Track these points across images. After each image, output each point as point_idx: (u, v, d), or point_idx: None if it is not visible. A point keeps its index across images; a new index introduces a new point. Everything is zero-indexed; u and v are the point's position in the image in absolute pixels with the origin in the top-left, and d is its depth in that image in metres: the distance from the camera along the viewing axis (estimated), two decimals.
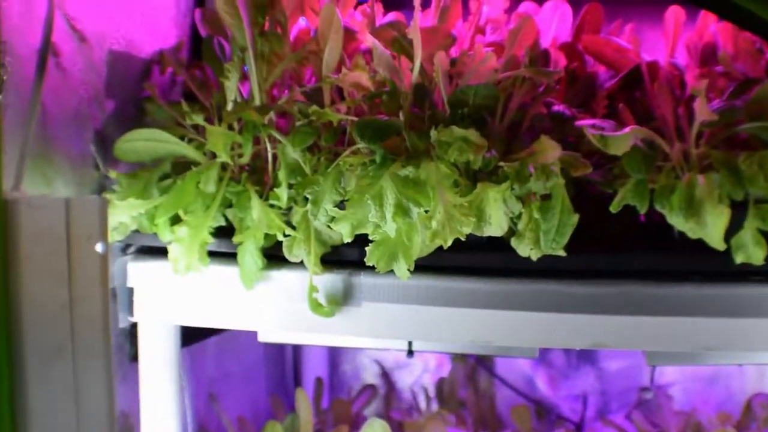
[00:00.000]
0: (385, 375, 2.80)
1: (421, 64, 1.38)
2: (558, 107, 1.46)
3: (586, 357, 2.72)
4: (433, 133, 1.29)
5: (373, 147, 1.31)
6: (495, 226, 1.30)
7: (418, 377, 2.81)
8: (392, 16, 1.66)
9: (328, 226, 1.37)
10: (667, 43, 1.63)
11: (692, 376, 2.70)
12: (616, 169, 1.39)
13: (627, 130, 1.30)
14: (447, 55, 1.39)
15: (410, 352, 1.61)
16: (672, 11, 1.61)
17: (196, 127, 1.51)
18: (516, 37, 1.46)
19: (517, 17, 1.63)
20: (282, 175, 1.38)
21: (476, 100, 1.35)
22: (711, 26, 1.66)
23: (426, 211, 1.28)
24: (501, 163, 1.30)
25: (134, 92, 1.62)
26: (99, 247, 1.18)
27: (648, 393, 2.63)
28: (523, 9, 1.78)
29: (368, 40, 1.41)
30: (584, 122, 1.37)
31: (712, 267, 1.37)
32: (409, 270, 1.32)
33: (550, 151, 1.28)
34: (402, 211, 1.27)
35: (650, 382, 2.70)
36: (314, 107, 1.37)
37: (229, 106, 1.45)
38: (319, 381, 2.41)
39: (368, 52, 1.53)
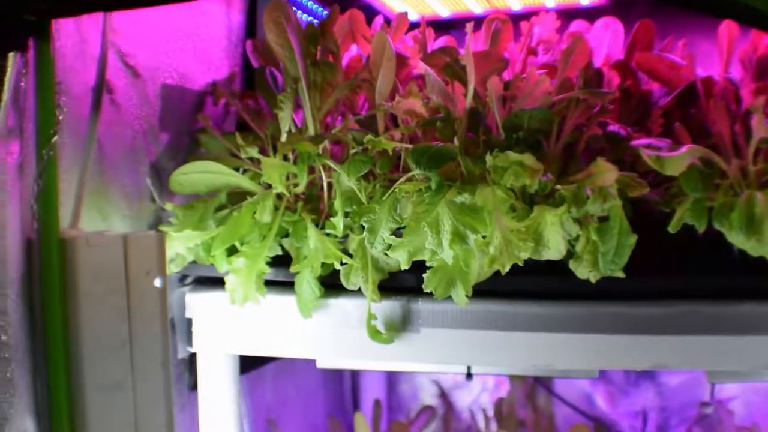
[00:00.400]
0: (444, 395, 2.78)
1: (475, 89, 1.37)
2: (613, 127, 1.44)
3: (646, 373, 2.68)
4: (488, 158, 1.29)
5: (429, 174, 1.31)
6: (553, 250, 1.30)
7: (476, 397, 2.80)
8: (443, 40, 1.67)
9: (385, 254, 1.37)
10: (720, 57, 1.61)
11: (753, 390, 2.65)
12: (674, 188, 1.38)
13: (683, 149, 1.29)
14: (500, 78, 1.39)
15: (469, 375, 1.61)
16: (726, 25, 1.59)
17: (251, 158, 1.52)
18: (569, 58, 1.45)
19: (568, 37, 1.62)
20: (338, 204, 1.38)
21: (531, 124, 1.34)
22: (765, 39, 1.64)
23: (483, 237, 1.28)
24: (557, 186, 1.30)
25: (188, 124, 1.64)
26: (157, 282, 1.19)
27: (708, 408, 2.59)
28: (574, 28, 1.78)
29: (420, 67, 1.41)
30: (640, 142, 1.36)
31: None
32: (467, 296, 1.31)
33: (606, 173, 1.27)
34: (459, 237, 1.27)
35: (710, 397, 2.66)
36: (369, 136, 1.38)
37: (284, 137, 1.46)
38: (377, 403, 2.41)
39: (421, 78, 1.53)
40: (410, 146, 1.37)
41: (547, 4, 2.17)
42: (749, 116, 1.35)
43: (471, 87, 1.36)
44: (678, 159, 1.28)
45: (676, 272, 1.40)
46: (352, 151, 1.44)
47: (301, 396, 2.37)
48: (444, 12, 2.29)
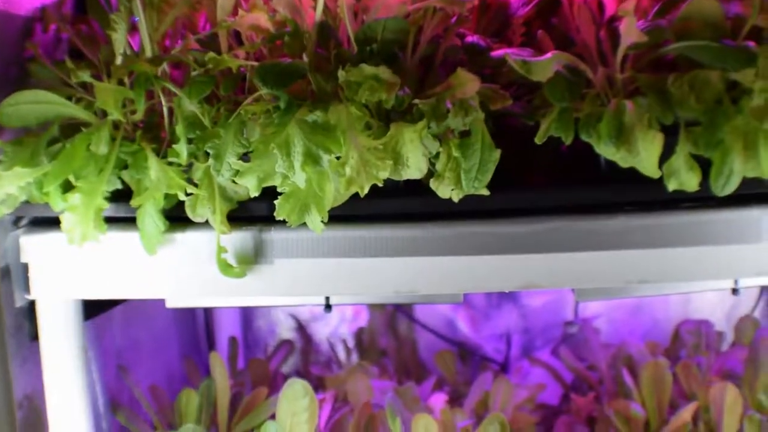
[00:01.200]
0: (301, 329, 2.71)
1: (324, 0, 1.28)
2: (472, 38, 1.37)
3: (508, 295, 2.66)
4: (340, 73, 1.20)
5: (276, 93, 1.21)
6: (413, 169, 1.22)
7: (335, 328, 2.73)
8: None
9: (233, 181, 1.27)
10: None
11: (616, 306, 2.67)
12: (537, 100, 1.32)
13: (549, 55, 1.21)
14: None
15: (328, 307, 1.52)
16: None
17: (84, 86, 1.39)
18: None
19: None
20: (180, 129, 1.27)
21: (385, 35, 1.25)
22: None
23: (338, 158, 1.19)
24: (415, 101, 1.21)
25: (15, 53, 1.49)
26: None
27: (573, 327, 2.59)
28: None
29: None
30: (501, 52, 1.28)
31: (643, 197, 1.31)
32: (322, 222, 1.23)
33: (467, 84, 1.19)
34: (312, 159, 1.18)
35: (575, 316, 2.66)
36: (211, 54, 1.26)
37: (118, 60, 1.34)
38: (233, 341, 2.31)
39: None
40: (256, 64, 1.27)
41: None
42: (615, 23, 1.28)
43: None
44: (545, 64, 1.20)
45: (542, 187, 1.35)
46: (193, 74, 1.33)
47: (153, 338, 2.26)
48: None
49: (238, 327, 2.72)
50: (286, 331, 2.75)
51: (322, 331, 2.74)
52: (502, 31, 1.50)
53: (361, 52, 1.26)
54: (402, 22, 1.24)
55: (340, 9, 1.26)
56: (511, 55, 1.21)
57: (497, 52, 1.29)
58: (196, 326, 2.64)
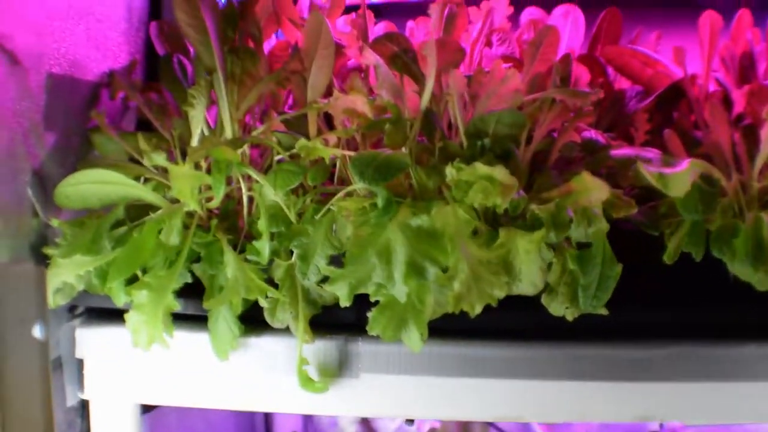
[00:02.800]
0: (365, 422, 2.55)
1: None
2: (589, 133, 1.22)
3: None
4: (449, 170, 1.05)
5: (374, 188, 1.06)
6: (527, 283, 1.07)
7: (400, 423, 2.57)
8: (382, 27, 1.43)
9: (320, 284, 1.12)
10: (702, 53, 1.39)
11: None
12: (663, 208, 1.16)
13: (685, 165, 1.06)
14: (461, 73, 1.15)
15: (410, 421, 1.36)
16: (708, 16, 1.37)
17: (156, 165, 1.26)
18: (537, 51, 1.22)
19: (529, 26, 1.41)
20: (262, 224, 1.13)
21: (499, 129, 1.11)
22: (746, 32, 1.43)
23: (444, 270, 1.04)
24: (533, 206, 1.06)
25: (79, 122, 1.36)
26: (37, 332, 0.92)
27: None
28: (528, 16, 1.56)
29: (368, 58, 1.16)
30: (622, 152, 1.14)
31: None
32: (422, 338, 1.07)
33: (594, 191, 1.04)
34: (416, 270, 1.03)
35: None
36: (301, 140, 1.13)
37: (195, 140, 1.20)
38: None
39: (359, 71, 1.29)
40: (349, 154, 1.13)
41: None
42: (746, 122, 1.14)
43: (430, 82, 1.12)
44: (682, 176, 1.05)
45: (665, 307, 1.19)
46: (276, 158, 1.19)
47: (209, 429, 2.11)
48: None
49: (299, 420, 2.56)
50: (347, 422, 2.58)
51: (389, 426, 2.57)
52: (616, 124, 1.36)
53: (472, 146, 1.12)
54: (519, 116, 1.10)
55: (451, 96, 1.12)
56: (645, 165, 1.06)
57: (618, 151, 1.15)
58: (255, 419, 2.48)
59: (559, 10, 1.52)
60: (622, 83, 1.48)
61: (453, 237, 1.04)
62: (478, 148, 1.11)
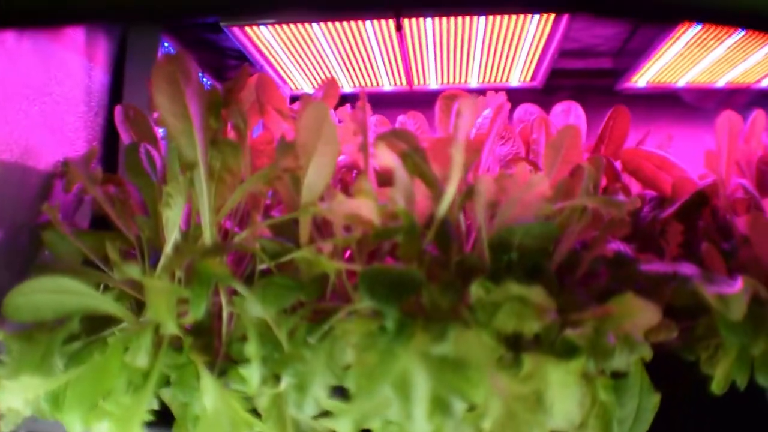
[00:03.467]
0: None
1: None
2: (616, 245, 1.08)
3: None
4: (475, 289, 0.90)
5: (386, 309, 0.90)
6: (560, 418, 0.91)
7: None
8: (376, 120, 1.28)
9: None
10: (720, 155, 1.27)
11: None
12: (699, 330, 1.03)
13: (739, 284, 0.92)
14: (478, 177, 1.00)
15: None
16: (727, 117, 1.25)
17: (108, 263, 1.09)
18: (559, 153, 1.09)
19: (540, 124, 1.28)
20: (252, 348, 0.96)
21: (526, 242, 0.96)
22: (763, 134, 1.32)
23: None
24: (568, 331, 0.91)
25: (28, 217, 1.18)
26: None
27: None
28: (523, 113, 1.43)
29: (384, 157, 1.00)
30: (654, 267, 1.01)
31: None
32: None
33: (641, 313, 0.89)
34: (442, 406, 0.86)
35: None
36: (304, 252, 0.97)
37: (169, 246, 1.03)
38: None
39: (351, 169, 1.15)
40: (354, 268, 0.97)
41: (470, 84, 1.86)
42: None
43: (452, 186, 0.97)
44: (739, 298, 0.91)
45: None
46: (260, 267, 1.03)
47: None
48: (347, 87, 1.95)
49: None
50: None
51: None
52: (636, 234, 1.23)
53: (496, 261, 0.97)
54: (551, 227, 0.95)
55: (477, 203, 0.96)
56: (706, 285, 0.92)
57: (650, 267, 1.01)
58: None
59: (559, 107, 1.40)
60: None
61: (480, 367, 0.88)
62: (504, 263, 0.97)
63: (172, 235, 1.03)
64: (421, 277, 0.92)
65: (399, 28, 1.90)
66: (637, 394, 0.96)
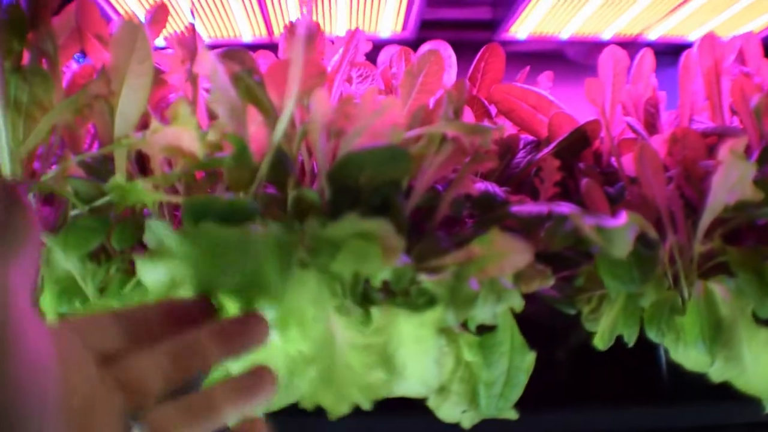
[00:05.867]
0: None
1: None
2: (483, 185, 0.95)
3: None
4: (310, 225, 0.75)
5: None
6: (416, 382, 0.78)
7: None
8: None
9: None
10: (605, 96, 1.14)
11: None
12: (581, 280, 0.91)
13: (624, 218, 0.79)
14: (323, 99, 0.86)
15: None
16: (611, 52, 1.13)
17: None
18: (416, 80, 0.96)
19: (398, 60, 1.15)
20: (47, 302, 0.81)
21: (373, 173, 0.81)
22: (650, 75, 1.21)
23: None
24: (423, 277, 0.77)
25: None
26: None
27: None
28: (386, 56, 1.30)
29: (204, 64, 0.84)
30: (527, 208, 0.88)
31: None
32: None
33: (511, 253, 0.75)
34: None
35: None
36: (116, 180, 0.81)
37: None
38: None
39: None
40: (178, 200, 0.83)
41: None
42: (677, 173, 0.91)
43: (288, 109, 0.83)
44: (623, 232, 0.78)
45: (588, 405, 0.92)
46: (72, 213, 0.88)
47: None
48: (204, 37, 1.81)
49: None
50: None
51: None
52: (509, 177, 1.10)
53: (338, 197, 0.82)
54: (401, 153, 0.81)
55: (312, 129, 0.82)
56: (585, 218, 0.78)
57: (522, 208, 0.88)
58: None
59: (426, 46, 1.27)
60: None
61: (316, 317, 0.74)
62: (346, 199, 0.82)
63: None
64: (255, 207, 0.78)
65: None
66: (508, 353, 0.83)
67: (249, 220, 0.76)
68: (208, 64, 0.81)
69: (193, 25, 0.98)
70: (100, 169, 0.92)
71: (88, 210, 0.87)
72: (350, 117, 0.86)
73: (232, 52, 0.90)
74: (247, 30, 2.23)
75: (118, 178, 0.83)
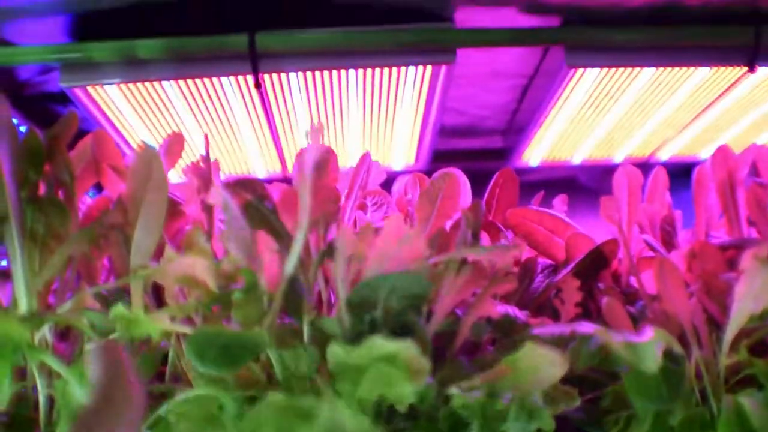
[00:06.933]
0: None
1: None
2: (504, 308, 0.94)
3: None
4: (333, 351, 0.73)
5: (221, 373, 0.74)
6: None
7: None
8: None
9: None
10: (620, 215, 1.14)
11: None
12: (606, 400, 0.89)
13: (650, 333, 0.78)
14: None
15: None
16: (624, 171, 1.13)
17: None
18: (435, 203, 0.96)
19: (413, 185, 1.15)
20: None
21: (392, 299, 0.80)
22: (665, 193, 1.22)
23: None
24: (454, 391, 0.75)
25: None
26: None
27: None
28: (400, 186, 1.31)
29: (215, 197, 0.84)
30: (549, 330, 0.87)
31: None
32: None
33: (542, 366, 0.73)
34: None
35: None
36: (119, 309, 0.79)
37: None
38: None
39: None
40: (188, 331, 0.81)
41: None
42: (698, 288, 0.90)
43: (300, 237, 0.82)
44: (650, 347, 0.77)
45: None
46: (88, 346, 0.86)
47: None
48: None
49: None
50: None
51: None
52: (527, 301, 1.09)
53: (358, 323, 0.81)
54: (420, 280, 0.80)
55: (337, 256, 0.81)
56: (611, 336, 0.77)
57: (544, 329, 0.87)
58: None
59: (438, 173, 1.28)
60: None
61: None
62: (366, 324, 0.81)
63: None
64: (264, 339, 0.76)
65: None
66: None
67: (260, 349, 0.75)
68: (219, 194, 0.81)
69: (208, 155, 0.99)
70: (116, 301, 0.91)
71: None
72: (373, 246, 0.85)
73: (244, 182, 0.90)
74: (261, 165, 2.26)
75: (123, 308, 0.82)
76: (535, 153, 2.44)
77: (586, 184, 2.74)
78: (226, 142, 2.16)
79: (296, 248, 0.82)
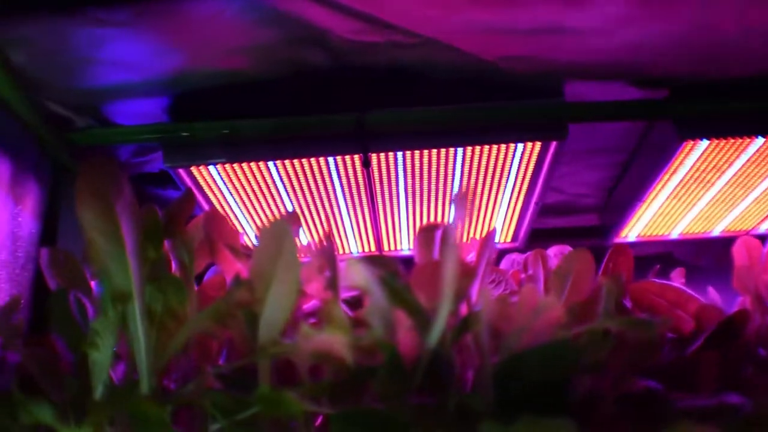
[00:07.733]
0: None
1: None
2: (644, 381, 0.90)
3: None
4: (488, 429, 0.69)
5: None
6: None
7: None
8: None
9: None
10: (747, 283, 1.10)
11: None
12: None
13: None
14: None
15: None
16: (743, 242, 1.11)
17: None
18: (566, 281, 0.92)
19: (535, 262, 1.12)
20: None
21: (536, 373, 0.77)
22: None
23: None
24: None
25: None
26: None
27: None
28: (510, 263, 1.29)
29: (355, 278, 0.81)
30: (694, 402, 0.82)
31: None
32: None
33: None
34: None
35: None
36: (264, 388, 0.77)
37: (98, 392, 0.83)
38: None
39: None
40: (329, 412, 0.78)
41: None
42: None
43: (444, 312, 0.79)
44: None
45: None
46: (212, 428, 0.83)
47: None
48: None
49: None
50: None
51: None
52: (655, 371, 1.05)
53: (505, 398, 0.77)
54: (568, 350, 0.76)
55: (477, 329, 0.78)
56: None
57: (688, 402, 0.83)
58: None
59: (553, 250, 1.26)
60: None
61: None
62: (513, 399, 0.77)
63: (100, 382, 0.83)
64: (411, 417, 0.73)
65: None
66: None
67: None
68: (358, 271, 0.78)
69: (331, 234, 0.96)
70: (240, 380, 0.88)
71: (232, 423, 0.82)
72: (509, 318, 0.82)
73: (375, 258, 0.87)
74: (356, 245, 2.25)
75: (264, 388, 0.79)
76: (634, 229, 2.40)
77: (681, 259, 2.69)
78: (324, 222, 2.15)
79: (440, 321, 0.79)
